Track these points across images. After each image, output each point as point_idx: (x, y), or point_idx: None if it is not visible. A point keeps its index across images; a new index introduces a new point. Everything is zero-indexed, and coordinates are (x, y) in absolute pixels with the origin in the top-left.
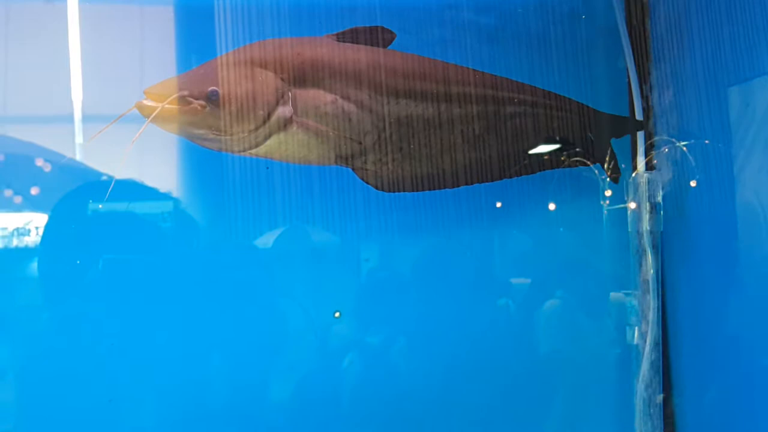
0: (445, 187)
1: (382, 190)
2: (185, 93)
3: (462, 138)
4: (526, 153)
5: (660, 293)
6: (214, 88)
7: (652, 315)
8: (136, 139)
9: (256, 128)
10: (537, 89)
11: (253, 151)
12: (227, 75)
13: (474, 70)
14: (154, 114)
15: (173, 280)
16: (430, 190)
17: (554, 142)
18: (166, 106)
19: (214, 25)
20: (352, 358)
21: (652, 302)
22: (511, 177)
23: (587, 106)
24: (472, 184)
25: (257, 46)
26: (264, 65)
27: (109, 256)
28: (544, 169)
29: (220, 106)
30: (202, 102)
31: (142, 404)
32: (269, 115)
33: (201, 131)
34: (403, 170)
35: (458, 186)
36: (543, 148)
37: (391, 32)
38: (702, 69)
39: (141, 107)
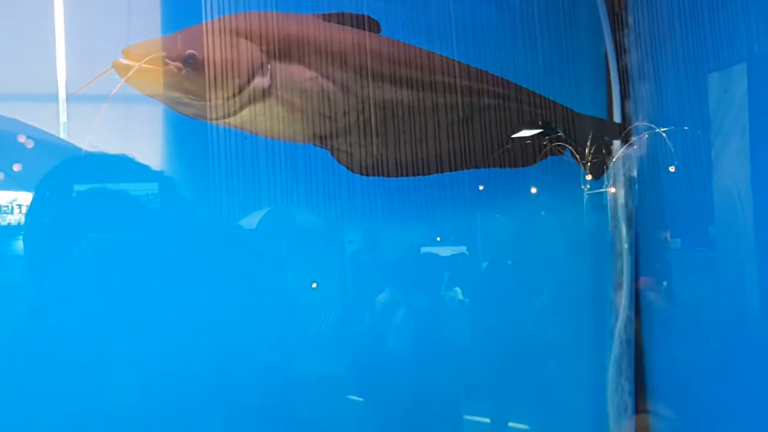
0: (421, 174)
1: (358, 173)
2: (163, 54)
3: (440, 127)
4: (503, 145)
5: (633, 264)
6: (192, 51)
7: (625, 286)
8: (113, 94)
9: (232, 96)
10: (514, 84)
11: (228, 120)
12: (207, 41)
13: (456, 60)
14: (130, 73)
15: (159, 260)
16: (406, 176)
17: (533, 135)
18: (143, 65)
19: (200, 4)
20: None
21: (625, 272)
22: (488, 167)
23: (563, 106)
24: (446, 172)
25: (242, 16)
26: (246, 35)
27: (93, 235)
28: (523, 164)
29: (197, 70)
30: (179, 64)
31: (127, 382)
32: (246, 84)
33: (176, 94)
34: (380, 154)
35: (434, 173)
36: (520, 142)
37: (377, 23)
38: (682, 56)
39: (117, 66)
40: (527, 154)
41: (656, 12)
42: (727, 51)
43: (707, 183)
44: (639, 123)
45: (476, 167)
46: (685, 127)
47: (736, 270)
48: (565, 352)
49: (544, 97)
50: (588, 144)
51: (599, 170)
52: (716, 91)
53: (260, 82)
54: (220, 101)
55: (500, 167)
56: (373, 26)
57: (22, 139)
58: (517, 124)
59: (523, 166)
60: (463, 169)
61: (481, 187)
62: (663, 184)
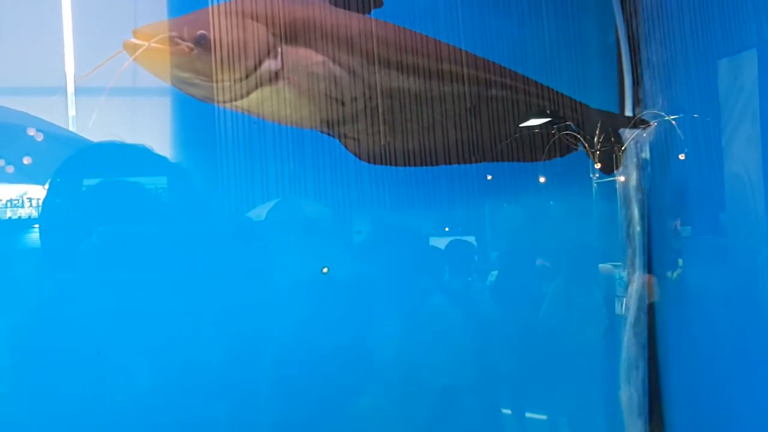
0: (429, 164)
1: (366, 161)
2: (174, 34)
3: (447, 116)
4: (510, 137)
5: (646, 248)
6: (203, 32)
7: (637, 270)
8: (122, 70)
9: (242, 78)
10: (524, 77)
11: (237, 103)
12: (219, 22)
13: (465, 51)
14: (139, 51)
15: (168, 251)
16: (414, 165)
17: (541, 128)
18: (153, 45)
19: None
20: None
21: (637, 255)
22: (495, 161)
23: (572, 99)
24: (453, 164)
25: None
26: (257, 18)
27: (103, 228)
28: (532, 159)
29: (208, 51)
30: (190, 44)
31: (135, 373)
32: (256, 67)
33: (186, 74)
34: (387, 143)
35: (442, 164)
36: (529, 135)
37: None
38: (692, 42)
39: (128, 45)
40: (536, 148)
41: (663, 1)
42: (736, 37)
43: (718, 170)
44: (649, 111)
45: (483, 160)
46: (695, 115)
47: (747, 258)
48: (575, 342)
49: (553, 90)
50: (597, 135)
51: (609, 162)
52: (726, 77)
53: (270, 64)
54: (230, 83)
55: (509, 161)
56: (376, 2)
57: (31, 132)
58: (525, 116)
59: (533, 161)
60: (470, 163)
61: (489, 177)
62: (674, 171)
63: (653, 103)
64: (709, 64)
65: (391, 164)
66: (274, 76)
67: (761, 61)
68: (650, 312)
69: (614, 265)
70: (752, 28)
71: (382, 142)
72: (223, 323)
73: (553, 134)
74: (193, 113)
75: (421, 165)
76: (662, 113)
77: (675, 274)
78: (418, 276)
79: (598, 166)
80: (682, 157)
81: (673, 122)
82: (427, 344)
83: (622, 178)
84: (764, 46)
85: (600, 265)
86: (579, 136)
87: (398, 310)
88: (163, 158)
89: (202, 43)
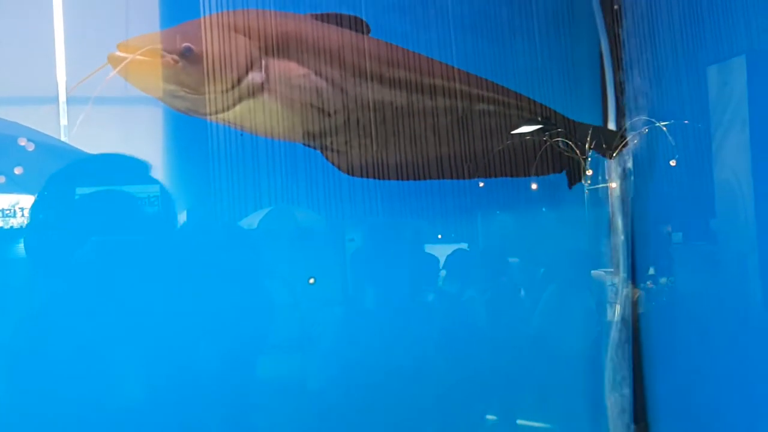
0: (411, 179)
1: (348, 173)
2: (159, 46)
3: (430, 131)
4: (496, 153)
5: (630, 256)
6: (189, 44)
7: (622, 278)
8: (107, 81)
9: (226, 90)
10: (509, 90)
11: (221, 116)
12: (204, 35)
13: (451, 66)
14: (122, 64)
15: (160, 260)
16: (396, 179)
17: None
18: (137, 57)
19: (199, 6)
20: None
21: (621, 264)
22: (480, 177)
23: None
24: (440, 179)
25: (239, 13)
26: (242, 31)
27: (96, 237)
28: (520, 175)
29: (193, 63)
30: (175, 56)
31: (130, 381)
32: (240, 79)
33: (171, 87)
34: (371, 156)
35: (425, 179)
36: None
37: (367, 25)
38: (681, 48)
39: (112, 58)
40: (525, 164)
41: (654, 5)
42: (726, 43)
43: (708, 177)
44: (638, 117)
45: (469, 177)
46: (686, 121)
47: (737, 264)
48: (563, 347)
49: (540, 104)
50: (588, 143)
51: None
52: (715, 84)
53: (254, 77)
54: (214, 95)
55: (496, 176)
56: (365, 28)
57: (22, 142)
58: (510, 131)
59: (523, 176)
60: (457, 179)
61: (481, 184)
62: (662, 178)
63: (642, 109)
64: (699, 71)
65: (372, 177)
66: (258, 89)
67: (750, 67)
68: (639, 318)
69: (606, 272)
70: (742, 35)
71: (364, 154)
72: (216, 330)
73: (545, 142)
74: (185, 121)
75: (405, 179)
76: (652, 119)
77: (664, 280)
78: (409, 284)
79: (589, 172)
80: (672, 163)
81: (664, 128)
82: (417, 351)
83: (613, 185)
84: (753, 53)
85: (593, 271)
86: (570, 143)
87: (391, 316)
88: (155, 167)
89: (187, 55)
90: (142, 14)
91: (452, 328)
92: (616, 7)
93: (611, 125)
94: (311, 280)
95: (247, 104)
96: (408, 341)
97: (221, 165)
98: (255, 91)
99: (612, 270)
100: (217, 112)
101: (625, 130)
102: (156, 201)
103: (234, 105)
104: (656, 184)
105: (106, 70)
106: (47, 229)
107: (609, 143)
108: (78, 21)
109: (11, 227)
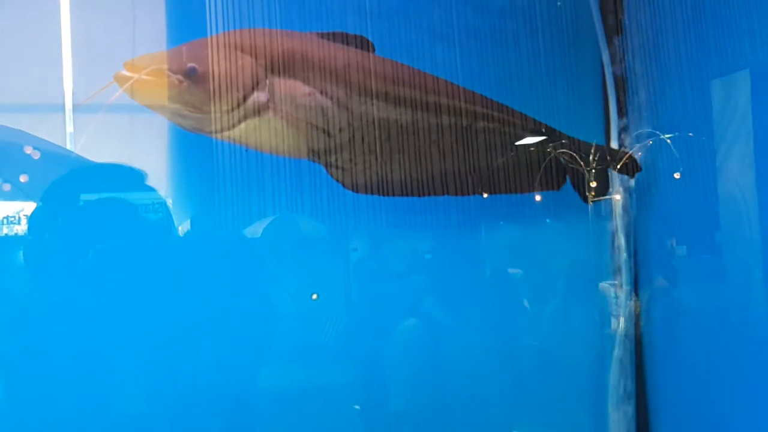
0: (414, 195)
1: (352, 190)
2: (164, 66)
3: (436, 148)
4: (499, 169)
5: (633, 275)
6: (193, 64)
7: (626, 292)
8: (110, 102)
9: (231, 109)
10: (512, 109)
11: (226, 134)
12: (209, 55)
13: (454, 84)
14: (127, 84)
15: (163, 268)
16: (400, 196)
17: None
18: (143, 77)
19: (205, 15)
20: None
21: (624, 284)
22: (481, 193)
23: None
24: (444, 195)
25: (245, 32)
26: (247, 51)
27: (100, 245)
28: (524, 191)
29: (197, 83)
30: (180, 77)
31: (133, 390)
32: (244, 98)
33: (176, 106)
34: (375, 173)
35: (429, 195)
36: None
37: (371, 44)
38: (686, 63)
39: (118, 78)
40: (529, 179)
41: (658, 19)
42: (730, 57)
43: (712, 189)
44: (642, 130)
45: (472, 192)
46: (690, 134)
47: (742, 277)
48: (566, 368)
49: (544, 124)
50: (592, 155)
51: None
52: (720, 97)
53: (258, 96)
54: (218, 114)
55: (500, 193)
56: (368, 46)
57: (28, 150)
58: (513, 148)
59: (527, 192)
60: (461, 195)
61: (485, 195)
62: (666, 190)
63: (646, 122)
64: (703, 84)
65: (377, 193)
66: (263, 108)
67: (754, 80)
68: (642, 332)
69: (610, 284)
70: (746, 49)
71: (370, 172)
72: (219, 339)
73: (548, 156)
74: (190, 135)
75: (408, 195)
76: (657, 132)
77: (668, 293)
78: (411, 297)
79: (594, 184)
80: (677, 176)
81: (668, 141)
82: (419, 364)
83: (617, 197)
84: (757, 67)
85: (600, 284)
86: (574, 154)
87: (393, 329)
88: (160, 176)
89: (192, 75)
90: (148, 25)
91: (455, 341)
92: (618, 21)
93: (614, 143)
94: (314, 296)
95: (252, 123)
96: (410, 354)
97: (225, 176)
98: (260, 110)
99: (616, 282)
100: (221, 131)
101: (628, 145)
102: (160, 209)
103: (239, 123)
104: (660, 196)
105: (115, 87)
106: (52, 236)
107: (613, 157)
108: (85, 30)
109: (16, 234)
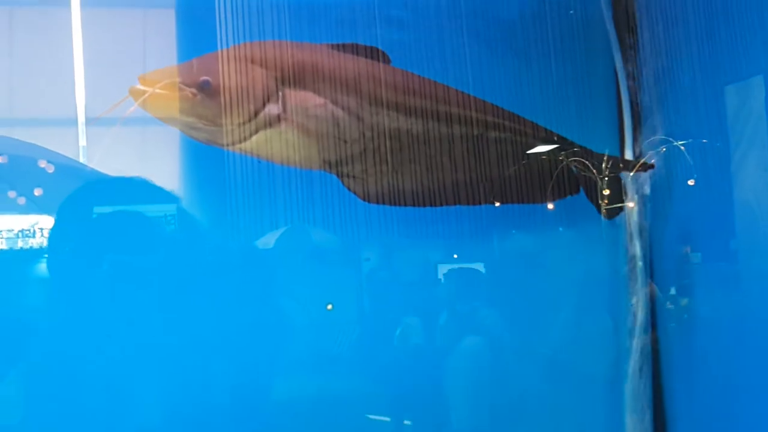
0: (428, 205)
1: (366, 200)
2: (178, 80)
3: (448, 158)
4: (511, 179)
5: (649, 273)
6: (207, 78)
7: (641, 307)
8: (126, 116)
9: (244, 122)
10: (524, 119)
11: (240, 146)
12: (222, 68)
13: (465, 93)
14: (143, 98)
15: (177, 280)
16: (413, 206)
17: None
18: (157, 91)
19: (215, 29)
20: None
21: (640, 294)
22: (493, 203)
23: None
24: (454, 205)
25: (256, 45)
26: (259, 63)
27: (113, 257)
28: (536, 201)
29: (210, 97)
30: (193, 90)
31: (147, 401)
32: (257, 111)
33: (190, 119)
34: (387, 182)
35: (439, 205)
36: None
37: (387, 56)
38: (699, 69)
39: (133, 91)
40: (541, 189)
41: (671, 24)
42: (744, 63)
43: (727, 196)
44: (655, 137)
45: (484, 202)
46: (704, 140)
47: (759, 284)
48: (580, 376)
49: (556, 133)
50: (605, 163)
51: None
52: (734, 103)
53: (271, 108)
54: (232, 127)
55: (512, 202)
56: (382, 57)
57: (42, 164)
58: (525, 157)
59: (540, 202)
60: (473, 204)
61: (497, 204)
62: (681, 197)
63: (660, 129)
64: (716, 90)
65: (389, 203)
66: (275, 120)
67: None
68: (658, 340)
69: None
70: (760, 54)
71: (382, 182)
72: (232, 349)
73: (560, 164)
74: (202, 146)
75: (420, 205)
76: (670, 139)
77: (684, 301)
78: (424, 306)
79: (606, 192)
80: (691, 182)
81: (682, 147)
82: (431, 373)
83: (631, 205)
84: None
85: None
86: (587, 162)
87: (406, 338)
88: (173, 188)
89: (205, 89)
90: (159, 39)
91: (468, 350)
92: (631, 27)
93: (628, 152)
94: (329, 306)
95: (264, 134)
96: (422, 363)
97: (237, 187)
98: (272, 122)
99: (630, 291)
100: (234, 143)
101: (642, 154)
102: (173, 221)
103: (251, 136)
104: (675, 203)
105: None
106: (66, 249)
107: (626, 165)
108: (96, 45)
109: (31, 247)
